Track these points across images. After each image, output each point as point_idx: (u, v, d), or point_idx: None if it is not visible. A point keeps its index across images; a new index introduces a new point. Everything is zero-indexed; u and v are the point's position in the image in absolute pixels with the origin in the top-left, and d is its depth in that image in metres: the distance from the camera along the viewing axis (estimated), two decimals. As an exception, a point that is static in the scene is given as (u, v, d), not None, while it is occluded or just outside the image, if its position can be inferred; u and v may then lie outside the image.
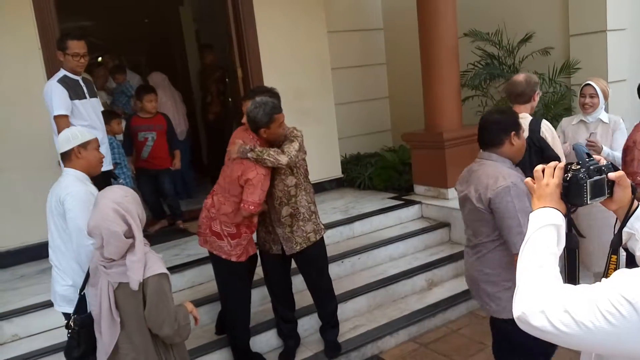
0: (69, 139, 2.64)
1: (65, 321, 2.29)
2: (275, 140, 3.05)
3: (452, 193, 5.01)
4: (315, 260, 3.29)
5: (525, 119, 2.88)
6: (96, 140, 2.74)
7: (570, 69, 5.01)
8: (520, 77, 3.11)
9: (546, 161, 1.35)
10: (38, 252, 4.43)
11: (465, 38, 5.27)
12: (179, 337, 2.14)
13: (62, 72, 3.57)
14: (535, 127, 2.89)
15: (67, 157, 2.66)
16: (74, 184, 2.57)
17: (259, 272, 3.85)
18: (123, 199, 2.08)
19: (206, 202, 3.18)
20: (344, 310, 3.82)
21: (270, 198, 3.10)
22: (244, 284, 3.26)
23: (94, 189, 2.61)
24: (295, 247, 3.15)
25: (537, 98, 3.12)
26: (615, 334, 0.95)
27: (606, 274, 1.32)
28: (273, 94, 3.21)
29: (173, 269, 3.74)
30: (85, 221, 2.24)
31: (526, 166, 2.55)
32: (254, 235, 3.25)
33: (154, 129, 4.83)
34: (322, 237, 3.28)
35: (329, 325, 3.47)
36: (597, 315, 0.96)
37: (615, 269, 1.31)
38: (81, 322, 2.24)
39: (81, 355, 2.25)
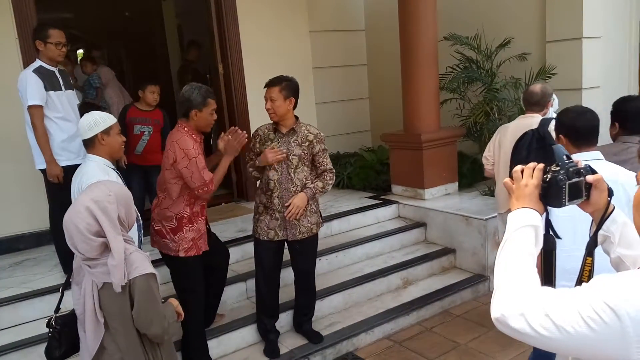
0: (91, 126, 2.68)
1: (47, 320, 2.22)
2: (205, 128, 3.07)
3: (428, 193, 5.08)
4: (310, 250, 3.42)
5: (534, 117, 3.30)
6: (117, 124, 2.80)
7: (546, 74, 5.12)
8: (537, 87, 3.44)
9: (548, 152, 1.35)
10: (10, 245, 4.38)
11: (445, 42, 5.34)
12: (167, 335, 2.10)
13: (37, 63, 3.53)
14: (545, 122, 3.10)
15: (90, 144, 2.71)
16: (94, 172, 2.60)
17: (234, 268, 3.85)
18: (104, 197, 1.97)
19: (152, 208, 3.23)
20: (320, 308, 3.85)
21: (288, 182, 3.21)
22: (197, 281, 3.12)
23: (114, 175, 2.68)
24: (298, 235, 3.28)
25: (549, 107, 3.43)
26: (595, 339, 0.96)
27: (581, 276, 1.35)
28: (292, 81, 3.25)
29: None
30: None
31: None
32: (257, 225, 3.31)
33: (151, 123, 4.54)
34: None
35: (306, 318, 3.58)
36: (578, 320, 0.96)
37: (590, 272, 1.34)
38: (63, 321, 2.18)
39: (62, 355, 2.18)
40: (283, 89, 3.14)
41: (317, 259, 4.19)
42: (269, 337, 3.48)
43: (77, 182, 2.69)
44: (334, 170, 3.34)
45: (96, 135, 2.68)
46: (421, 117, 5.02)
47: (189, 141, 2.94)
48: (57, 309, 2.24)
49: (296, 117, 3.27)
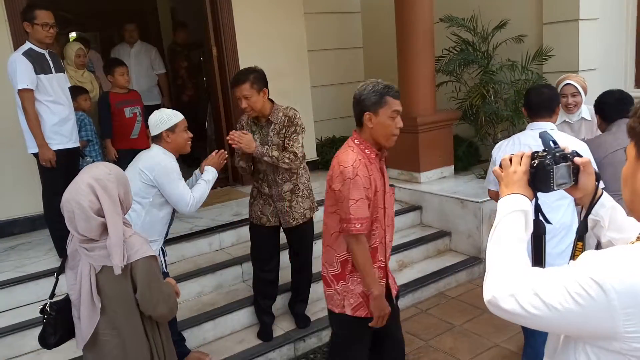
0: (157, 124, 2.85)
1: (40, 306, 2.17)
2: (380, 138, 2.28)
3: (424, 177, 5.08)
4: (306, 235, 3.41)
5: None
6: (184, 121, 2.92)
7: (543, 56, 5.10)
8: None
9: None
10: (5, 229, 4.36)
11: (441, 23, 5.29)
12: (173, 314, 2.10)
13: (27, 45, 3.47)
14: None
15: (157, 139, 2.89)
16: (161, 156, 2.83)
17: (230, 251, 3.86)
18: (105, 176, 1.95)
19: None
20: (316, 290, 3.85)
21: (274, 173, 3.15)
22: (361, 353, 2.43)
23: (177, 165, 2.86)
24: (292, 222, 3.25)
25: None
26: (582, 314, 0.98)
27: (572, 259, 1.36)
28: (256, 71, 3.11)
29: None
30: (177, 185, 2.76)
31: None
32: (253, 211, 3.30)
33: (137, 103, 4.44)
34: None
35: (299, 299, 3.60)
36: (566, 297, 0.98)
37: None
38: (57, 307, 2.12)
39: (57, 341, 2.14)
40: (254, 83, 2.99)
41: (314, 242, 4.21)
42: (263, 320, 3.49)
43: (143, 160, 2.85)
44: (298, 155, 3.04)
45: (161, 132, 2.83)
46: (417, 100, 4.99)
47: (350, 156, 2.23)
48: (52, 294, 2.18)
49: (271, 101, 3.14)
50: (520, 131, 2.80)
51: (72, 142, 3.69)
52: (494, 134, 5.21)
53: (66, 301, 2.12)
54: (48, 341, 2.14)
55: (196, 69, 6.91)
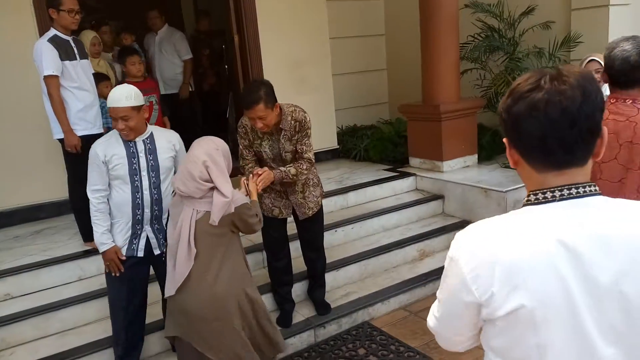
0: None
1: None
2: None
3: (447, 166, 5.01)
4: (318, 222, 3.40)
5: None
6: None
7: (571, 43, 4.96)
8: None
9: None
10: (31, 214, 4.45)
11: (466, 9, 5.19)
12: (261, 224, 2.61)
13: (52, 32, 3.49)
14: None
15: None
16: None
17: (251, 237, 3.87)
18: (214, 151, 2.42)
19: None
20: (335, 278, 3.86)
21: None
22: None
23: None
24: (308, 212, 3.26)
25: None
26: (450, 296, 1.09)
27: None
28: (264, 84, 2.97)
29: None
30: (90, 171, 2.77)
31: None
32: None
33: (153, 92, 4.47)
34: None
35: (317, 285, 3.60)
36: (439, 292, 1.14)
37: None
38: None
39: None
40: (267, 102, 2.85)
41: (334, 231, 4.22)
42: (284, 307, 3.50)
43: (165, 137, 2.87)
44: (312, 161, 3.11)
45: None
46: (440, 87, 4.91)
47: None
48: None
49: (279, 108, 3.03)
50: None
51: (96, 129, 3.72)
52: (519, 123, 5.10)
53: None
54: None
55: (218, 57, 6.92)
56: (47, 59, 3.38)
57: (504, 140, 1.09)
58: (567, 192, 1.01)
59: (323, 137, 5.77)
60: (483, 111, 5.28)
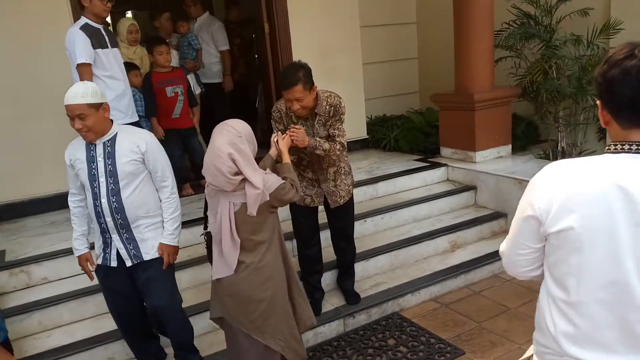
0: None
1: (201, 234, 2.66)
2: None
3: (479, 156, 4.92)
4: (349, 211, 3.38)
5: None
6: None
7: (611, 30, 4.78)
8: None
9: None
10: (66, 201, 4.53)
11: (501, -4, 5.06)
12: (299, 194, 2.55)
13: (83, 20, 3.48)
14: None
15: None
16: None
17: (283, 227, 3.85)
18: (237, 139, 2.26)
19: None
20: (365, 268, 3.83)
21: (319, 162, 3.12)
22: None
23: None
24: (340, 201, 3.24)
25: None
26: (516, 218, 1.36)
27: None
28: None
29: (194, 222, 3.77)
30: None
31: None
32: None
33: (179, 82, 4.49)
34: None
35: (347, 274, 3.59)
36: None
37: None
38: (209, 236, 2.52)
39: None
40: (305, 83, 2.82)
41: (364, 221, 4.19)
42: (313, 296, 3.49)
43: None
44: (345, 145, 3.07)
45: None
46: (474, 76, 4.81)
47: None
48: (205, 226, 2.61)
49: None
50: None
51: (129, 118, 3.74)
52: (555, 113, 4.97)
53: None
54: (211, 260, 2.51)
55: (248, 46, 6.92)
56: (80, 46, 3.37)
57: (597, 102, 1.26)
58: None
59: (352, 127, 5.69)
60: (518, 100, 5.15)
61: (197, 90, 5.22)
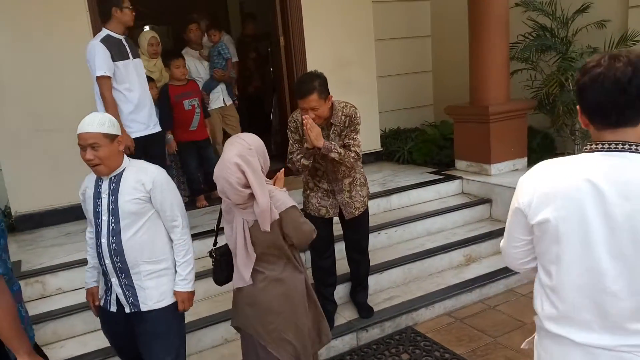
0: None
1: (208, 252, 2.53)
2: None
3: (495, 169, 4.87)
4: (364, 223, 3.36)
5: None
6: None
7: (628, 42, 4.73)
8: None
9: None
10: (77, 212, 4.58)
11: (517, 8, 5.03)
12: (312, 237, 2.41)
13: (104, 32, 3.54)
14: None
15: None
16: None
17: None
18: (247, 152, 2.21)
19: None
20: (378, 281, 3.80)
21: (334, 172, 3.12)
22: None
23: None
24: (354, 212, 3.22)
25: None
26: (509, 214, 1.51)
27: None
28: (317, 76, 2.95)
29: (208, 233, 3.78)
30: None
31: None
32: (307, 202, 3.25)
33: (195, 95, 4.56)
34: None
35: (360, 287, 3.55)
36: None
37: None
38: (220, 252, 2.47)
39: (226, 279, 2.48)
40: (321, 92, 2.84)
41: (377, 233, 4.17)
42: (326, 308, 3.45)
43: None
44: (359, 155, 3.05)
45: None
46: (489, 88, 4.79)
47: None
48: (215, 243, 2.53)
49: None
50: None
51: (151, 129, 3.75)
52: (572, 125, 4.91)
53: (226, 246, 2.44)
54: (219, 279, 2.51)
55: (264, 60, 6.98)
56: (100, 59, 3.43)
57: (577, 107, 1.38)
58: (614, 145, 1.30)
59: (366, 139, 5.65)
60: (534, 113, 5.11)
61: (228, 101, 5.22)
